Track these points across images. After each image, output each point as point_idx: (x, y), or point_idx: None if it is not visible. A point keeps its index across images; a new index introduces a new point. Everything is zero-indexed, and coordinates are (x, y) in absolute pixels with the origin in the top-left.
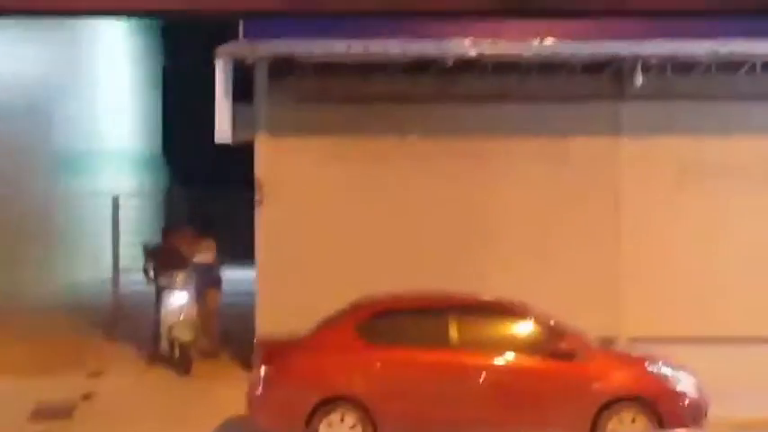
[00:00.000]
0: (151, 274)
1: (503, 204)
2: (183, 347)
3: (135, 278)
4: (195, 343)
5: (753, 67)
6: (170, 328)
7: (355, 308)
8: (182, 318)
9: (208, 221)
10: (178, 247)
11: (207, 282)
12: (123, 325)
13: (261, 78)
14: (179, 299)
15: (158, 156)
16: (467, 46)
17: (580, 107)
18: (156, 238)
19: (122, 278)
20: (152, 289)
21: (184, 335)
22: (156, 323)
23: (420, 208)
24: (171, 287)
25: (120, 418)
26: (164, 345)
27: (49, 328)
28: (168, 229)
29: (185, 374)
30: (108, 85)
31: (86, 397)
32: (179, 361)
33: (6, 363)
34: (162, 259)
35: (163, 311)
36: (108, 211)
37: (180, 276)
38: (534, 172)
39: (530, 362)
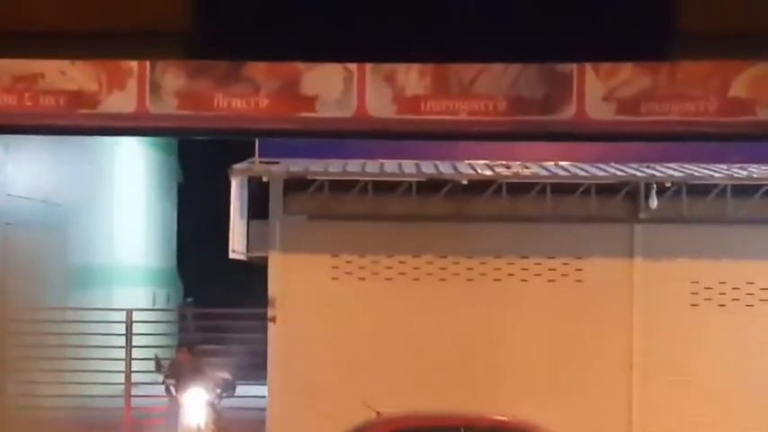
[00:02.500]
0: (172, 389)
1: (516, 325)
2: None
3: (147, 392)
4: None
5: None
6: None
7: (369, 427)
8: None
9: (220, 338)
10: (194, 363)
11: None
12: None
13: (275, 196)
14: (196, 417)
15: (173, 271)
16: (481, 167)
17: (594, 229)
18: (168, 353)
19: (134, 392)
20: (165, 401)
21: None
22: None
23: (433, 328)
24: (189, 404)
25: None
26: None
27: None
28: (183, 345)
29: None
30: (124, 201)
31: None
32: None
33: None
34: (179, 376)
35: (180, 429)
36: (122, 326)
37: (198, 393)
38: (548, 292)
39: None
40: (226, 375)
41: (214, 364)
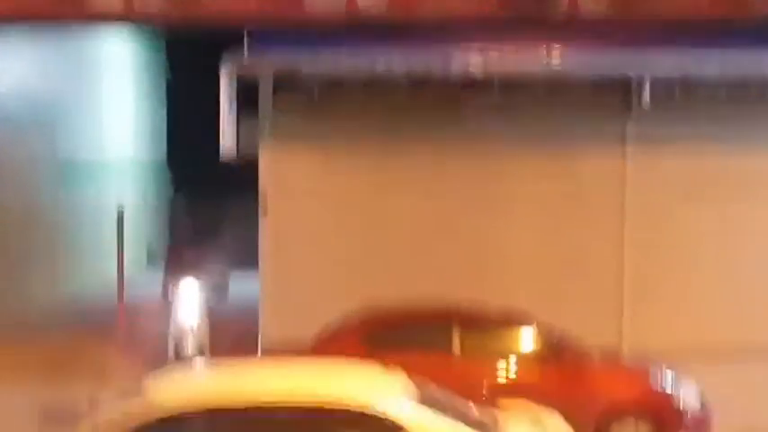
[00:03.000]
0: (165, 285)
1: (508, 219)
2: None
3: (139, 287)
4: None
5: (763, 84)
6: (177, 344)
7: (359, 317)
8: (191, 334)
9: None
10: (187, 259)
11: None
12: (128, 335)
13: (265, 91)
14: (189, 313)
15: (162, 166)
16: (472, 61)
17: (587, 123)
18: (160, 247)
19: (127, 285)
20: (157, 295)
21: (192, 352)
22: (164, 336)
23: (424, 219)
24: (181, 301)
25: None
26: (170, 359)
27: (55, 338)
28: (176, 241)
29: None
30: (112, 97)
31: (92, 406)
32: None
33: (13, 371)
34: (171, 272)
35: (172, 325)
36: (112, 222)
37: (190, 290)
38: (540, 187)
39: (532, 372)
40: (219, 270)
41: (206, 260)
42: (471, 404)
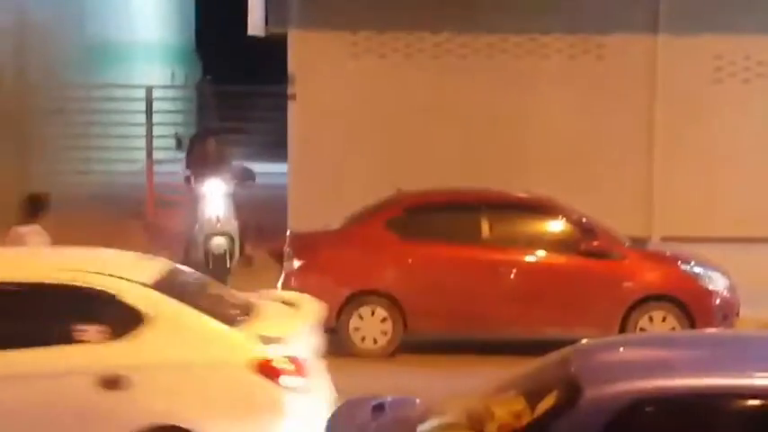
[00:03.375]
0: (192, 179)
1: (536, 102)
2: (218, 258)
3: (168, 169)
4: (232, 254)
5: None
6: (206, 238)
7: (386, 203)
8: (218, 227)
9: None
10: (213, 150)
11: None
12: (156, 219)
13: None
14: (216, 207)
15: (191, 49)
16: None
17: (617, 3)
18: (188, 131)
19: (156, 169)
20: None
21: (220, 247)
22: (191, 231)
23: (453, 104)
24: (208, 195)
25: None
26: (199, 254)
27: (86, 220)
28: (202, 132)
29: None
30: None
31: None
32: (213, 272)
33: None
34: (197, 164)
35: (199, 220)
36: (140, 103)
37: (217, 183)
38: (569, 69)
39: (561, 259)
40: (245, 164)
41: (233, 151)
42: (235, 294)
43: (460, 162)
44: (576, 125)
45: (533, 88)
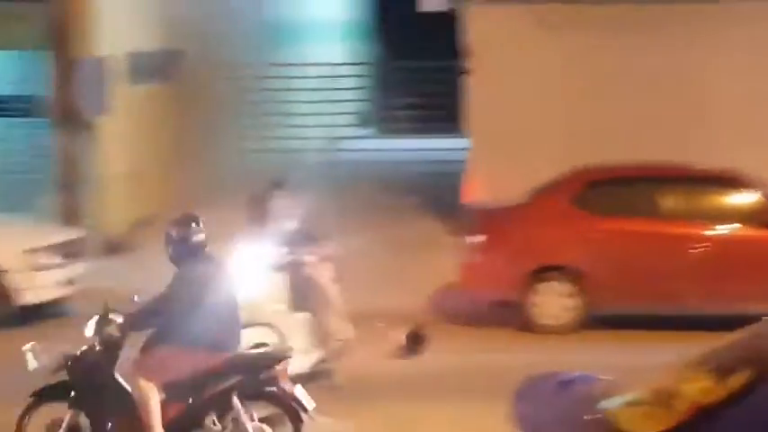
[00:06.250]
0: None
1: (714, 72)
2: None
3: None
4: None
5: None
6: None
7: (570, 178)
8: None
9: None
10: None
11: None
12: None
13: None
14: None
15: (368, 25)
16: None
17: None
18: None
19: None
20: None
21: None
22: None
23: (634, 77)
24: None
25: None
26: None
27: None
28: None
29: None
30: None
31: None
32: None
33: None
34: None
35: None
36: (318, 81)
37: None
38: (745, 37)
39: (746, 233)
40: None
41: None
42: None
43: (638, 135)
44: (753, 93)
45: (709, 57)
